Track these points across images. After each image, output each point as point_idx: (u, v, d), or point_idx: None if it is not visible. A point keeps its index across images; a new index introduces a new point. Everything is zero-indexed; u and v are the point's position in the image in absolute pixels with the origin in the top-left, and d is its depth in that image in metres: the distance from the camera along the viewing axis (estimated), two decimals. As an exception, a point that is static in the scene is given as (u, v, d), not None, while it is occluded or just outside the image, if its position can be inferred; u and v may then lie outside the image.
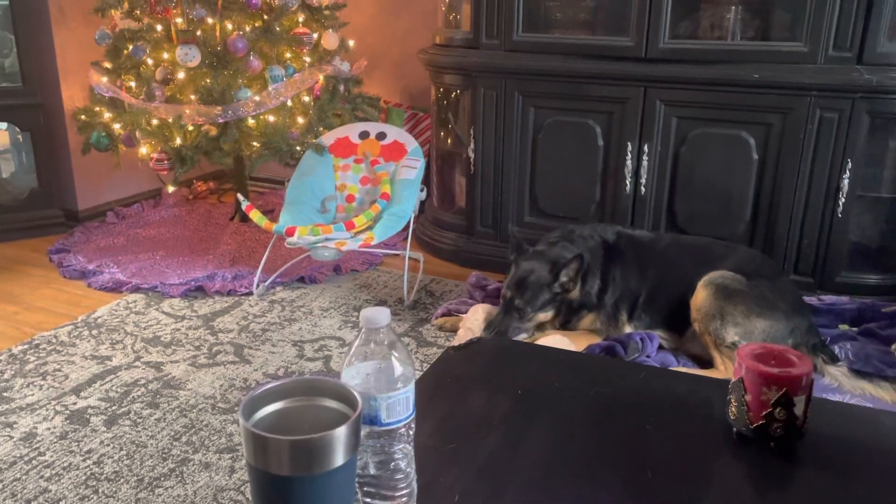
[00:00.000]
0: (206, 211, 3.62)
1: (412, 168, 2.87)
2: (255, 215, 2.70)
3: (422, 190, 2.82)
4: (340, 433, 0.65)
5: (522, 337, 2.18)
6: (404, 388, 0.77)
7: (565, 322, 2.26)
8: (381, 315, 0.76)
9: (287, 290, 2.79)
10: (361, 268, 3.02)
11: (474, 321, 2.24)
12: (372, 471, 0.78)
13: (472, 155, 2.93)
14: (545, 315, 2.20)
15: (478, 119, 2.87)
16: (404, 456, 0.79)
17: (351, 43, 3.29)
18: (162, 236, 3.29)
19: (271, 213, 3.44)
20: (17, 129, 3.33)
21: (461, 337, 2.20)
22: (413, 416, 0.79)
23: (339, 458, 0.66)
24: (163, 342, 2.34)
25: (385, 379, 0.76)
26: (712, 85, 2.47)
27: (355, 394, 0.68)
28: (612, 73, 2.60)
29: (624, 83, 2.60)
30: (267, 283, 2.80)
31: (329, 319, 2.54)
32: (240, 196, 2.87)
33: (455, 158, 3.13)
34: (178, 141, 2.87)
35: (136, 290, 2.73)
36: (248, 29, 2.91)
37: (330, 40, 3.09)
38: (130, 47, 2.89)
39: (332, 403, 0.70)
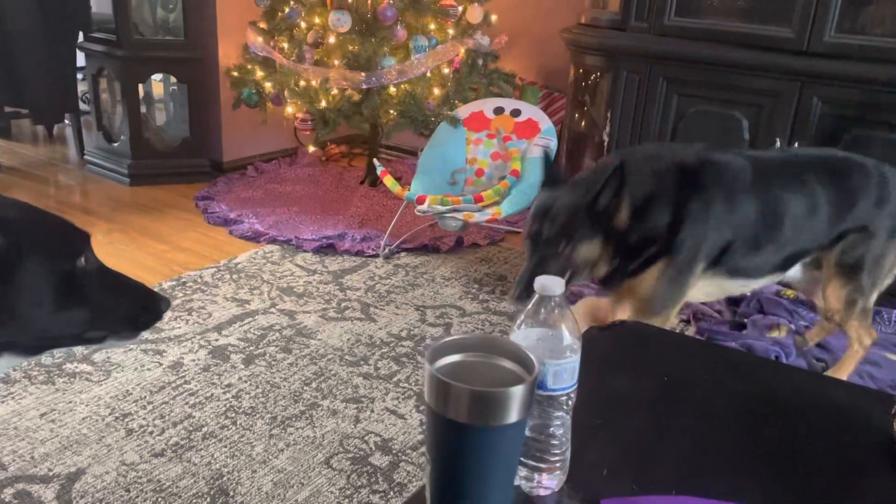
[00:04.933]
0: (338, 173, 3.76)
1: (543, 147, 2.86)
2: (389, 181, 2.78)
3: (553, 170, 2.81)
4: (518, 391, 0.68)
5: (566, 282, 1.41)
6: (572, 357, 0.78)
7: (624, 271, 1.71)
8: (556, 284, 0.78)
9: (411, 256, 2.86)
10: (483, 242, 3.05)
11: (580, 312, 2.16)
12: (528, 433, 0.80)
13: (606, 139, 2.89)
14: (590, 249, 1.62)
15: (616, 103, 2.81)
16: (562, 424, 0.81)
17: (493, 18, 3.30)
18: (297, 193, 3.45)
19: (399, 180, 3.52)
20: (175, 81, 3.57)
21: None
22: (575, 386, 0.81)
23: (513, 416, 0.68)
24: (296, 292, 2.47)
25: (554, 346, 0.78)
26: (884, 85, 2.31)
27: (533, 357, 0.71)
28: (766, 65, 2.48)
29: (779, 77, 2.47)
30: (393, 247, 2.88)
31: (450, 288, 2.60)
32: (375, 161, 2.96)
33: (587, 141, 3.09)
34: (323, 103, 2.99)
35: (273, 241, 2.89)
36: (397, -2, 2.97)
37: (475, 14, 3.12)
38: (287, 10, 3.03)
39: (507, 363, 0.73)
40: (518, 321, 0.80)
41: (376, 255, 2.83)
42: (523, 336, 0.79)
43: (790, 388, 1.10)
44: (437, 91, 3.09)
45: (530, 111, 2.99)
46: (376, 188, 3.52)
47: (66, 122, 3.89)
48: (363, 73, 2.94)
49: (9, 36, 3.23)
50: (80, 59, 3.72)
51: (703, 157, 1.73)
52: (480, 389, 0.67)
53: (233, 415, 1.79)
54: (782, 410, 1.03)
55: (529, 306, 0.79)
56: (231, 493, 1.52)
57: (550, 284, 0.78)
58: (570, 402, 0.81)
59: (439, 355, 0.72)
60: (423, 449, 1.71)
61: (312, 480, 1.58)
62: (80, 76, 3.82)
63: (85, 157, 3.70)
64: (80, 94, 3.82)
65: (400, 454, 1.69)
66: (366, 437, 1.74)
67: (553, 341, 0.79)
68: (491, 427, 0.68)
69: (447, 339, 0.72)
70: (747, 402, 1.05)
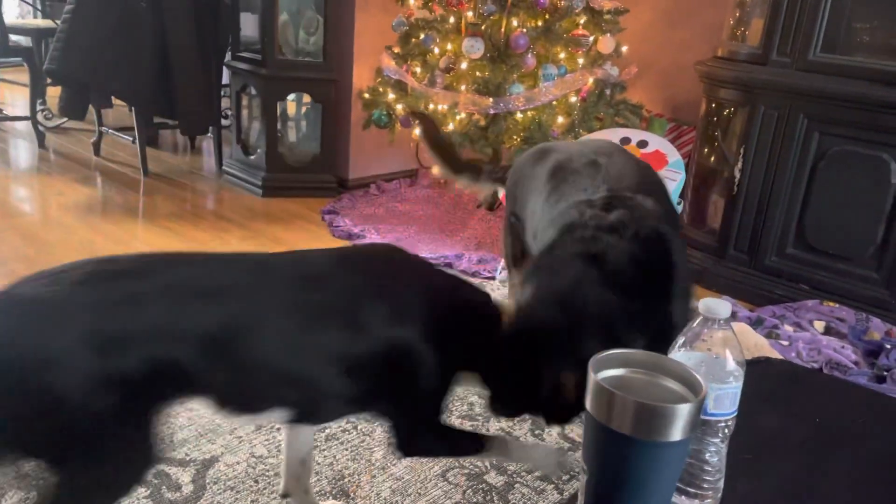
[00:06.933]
0: (456, 195, 3.82)
1: (671, 180, 2.80)
2: (511, 205, 2.80)
3: (678, 203, 2.76)
4: (685, 409, 0.67)
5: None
6: (735, 384, 0.77)
7: None
8: (722, 307, 0.77)
9: (527, 282, 2.86)
10: (601, 272, 3.01)
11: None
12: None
13: (737, 175, 2.80)
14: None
15: (751, 138, 2.73)
16: (717, 452, 0.79)
17: (624, 49, 3.29)
18: (416, 213, 3.53)
19: (517, 206, 3.54)
20: (310, 100, 3.76)
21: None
22: (735, 414, 0.79)
23: (677, 434, 0.67)
24: (414, 308, 2.52)
25: (716, 371, 0.77)
26: None
27: (700, 379, 0.70)
28: (922, 105, 2.35)
29: (935, 118, 2.33)
30: (509, 272, 2.89)
31: (567, 316, 2.57)
32: (497, 187, 2.99)
33: (716, 177, 3.00)
34: (451, 126, 3.06)
35: (393, 257, 2.96)
36: (530, 27, 3.02)
37: (606, 44, 3.12)
38: (422, 35, 3.13)
39: (671, 383, 0.72)
40: (680, 341, 0.79)
41: (492, 278, 2.85)
42: (685, 358, 0.78)
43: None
44: (562, 119, 3.10)
45: (658, 143, 2.94)
46: (493, 212, 3.55)
47: (209, 134, 4.16)
48: (491, 99, 2.99)
49: (170, 53, 3.51)
50: (224, 77, 4.00)
51: None
52: (648, 402, 0.67)
53: (354, 420, 1.84)
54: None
55: (693, 328, 0.78)
56: (351, 496, 1.56)
57: (716, 307, 0.77)
58: (727, 431, 0.79)
59: (603, 366, 0.72)
60: (541, 472, 1.70)
61: (429, 491, 1.60)
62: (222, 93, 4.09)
63: (223, 168, 3.94)
64: (222, 110, 4.09)
65: (515, 475, 1.68)
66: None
67: (715, 366, 0.77)
68: (654, 442, 0.68)
69: (612, 351, 0.73)
70: (907, 454, 0.99)
